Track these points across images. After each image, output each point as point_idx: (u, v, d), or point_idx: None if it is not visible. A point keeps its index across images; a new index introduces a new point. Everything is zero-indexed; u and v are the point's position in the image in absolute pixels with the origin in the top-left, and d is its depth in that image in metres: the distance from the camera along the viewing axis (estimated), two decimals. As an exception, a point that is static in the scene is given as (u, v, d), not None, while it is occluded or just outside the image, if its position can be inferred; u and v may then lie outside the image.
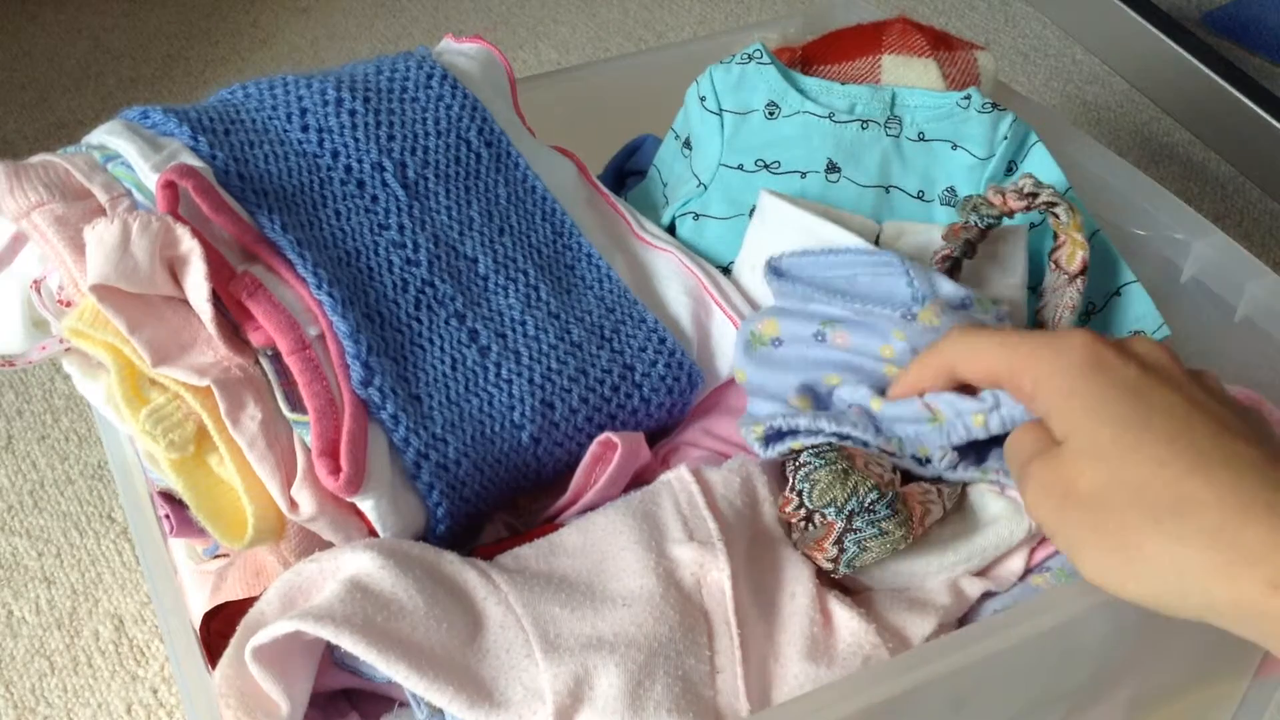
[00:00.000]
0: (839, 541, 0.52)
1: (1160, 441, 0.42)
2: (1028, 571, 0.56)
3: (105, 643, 0.80)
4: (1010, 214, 0.61)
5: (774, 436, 0.54)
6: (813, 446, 0.53)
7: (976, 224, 0.62)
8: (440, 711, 0.47)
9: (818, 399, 0.56)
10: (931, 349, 0.51)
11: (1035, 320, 0.64)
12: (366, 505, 0.51)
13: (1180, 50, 1.21)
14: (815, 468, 0.52)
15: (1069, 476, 0.43)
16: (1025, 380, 0.46)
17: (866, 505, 0.51)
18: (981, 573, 0.55)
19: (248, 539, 0.51)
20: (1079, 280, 0.61)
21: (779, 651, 0.51)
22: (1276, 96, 1.15)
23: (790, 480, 0.54)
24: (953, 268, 0.62)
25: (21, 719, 0.76)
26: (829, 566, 0.53)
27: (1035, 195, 0.60)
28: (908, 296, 0.56)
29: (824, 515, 0.52)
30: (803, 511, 0.52)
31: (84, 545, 0.86)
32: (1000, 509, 0.55)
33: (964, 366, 0.50)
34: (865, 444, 0.52)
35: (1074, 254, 0.61)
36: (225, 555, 0.59)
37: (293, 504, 0.51)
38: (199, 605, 0.55)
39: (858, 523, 0.51)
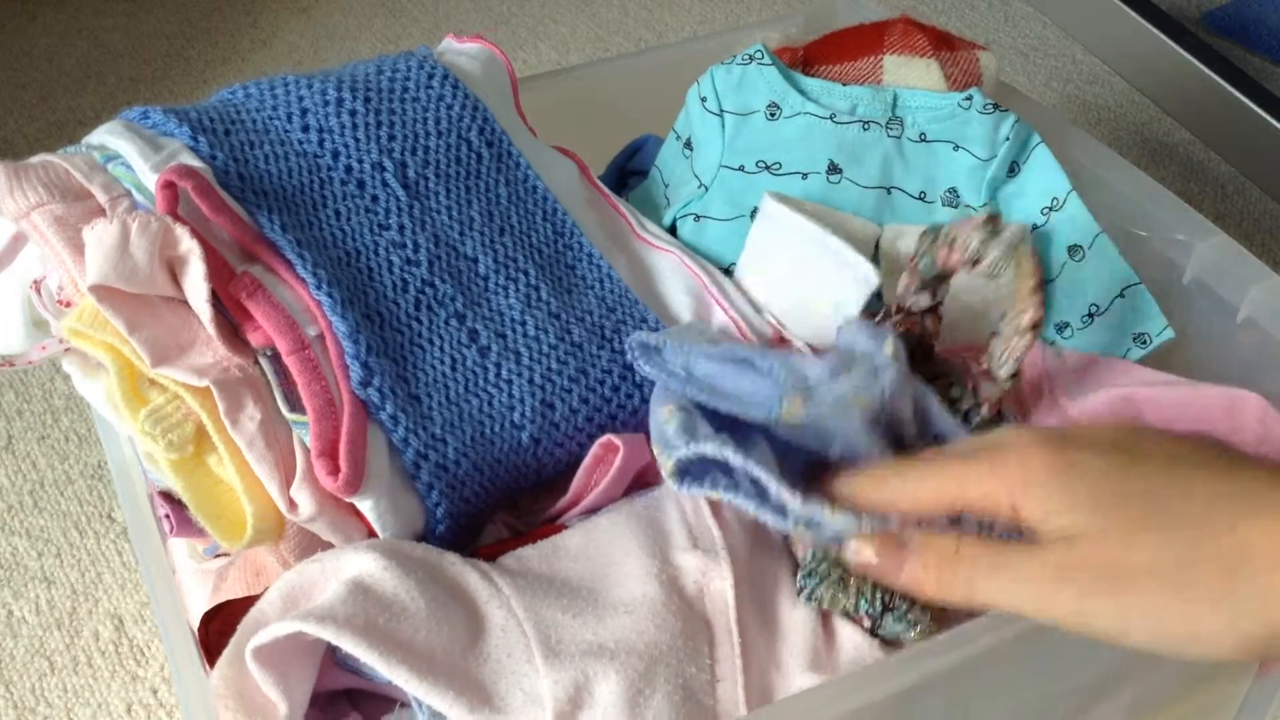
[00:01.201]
0: (873, 628, 0.51)
1: (1173, 495, 0.43)
2: None
3: (105, 643, 0.80)
4: (952, 271, 0.58)
5: (688, 471, 0.51)
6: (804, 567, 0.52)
7: (923, 275, 0.59)
8: (442, 715, 0.47)
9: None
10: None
11: (988, 345, 0.61)
12: (365, 506, 0.51)
13: (1180, 50, 1.21)
14: (813, 588, 0.51)
15: (1114, 558, 0.42)
16: (1001, 503, 0.45)
17: (887, 605, 0.50)
18: None
19: (247, 539, 0.51)
20: (1029, 335, 0.57)
21: (780, 662, 0.50)
22: (1276, 96, 1.15)
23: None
24: (934, 286, 0.60)
25: (21, 719, 0.76)
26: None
27: (977, 262, 0.56)
28: (773, 395, 0.53)
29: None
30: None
31: (84, 545, 0.86)
32: None
33: (924, 503, 0.47)
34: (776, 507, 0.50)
35: (1022, 313, 0.57)
36: (226, 554, 0.59)
37: (292, 504, 0.51)
38: (200, 605, 0.55)
39: (888, 620, 0.51)
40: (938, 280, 0.60)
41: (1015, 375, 0.58)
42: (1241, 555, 0.41)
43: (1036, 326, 0.57)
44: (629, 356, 0.57)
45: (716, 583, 0.51)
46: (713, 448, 0.49)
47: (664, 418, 0.52)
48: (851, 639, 0.50)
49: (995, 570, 0.44)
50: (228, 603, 0.54)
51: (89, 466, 0.91)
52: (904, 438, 0.56)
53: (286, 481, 0.51)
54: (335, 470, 0.50)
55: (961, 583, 0.45)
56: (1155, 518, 0.42)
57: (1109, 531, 0.42)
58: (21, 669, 0.79)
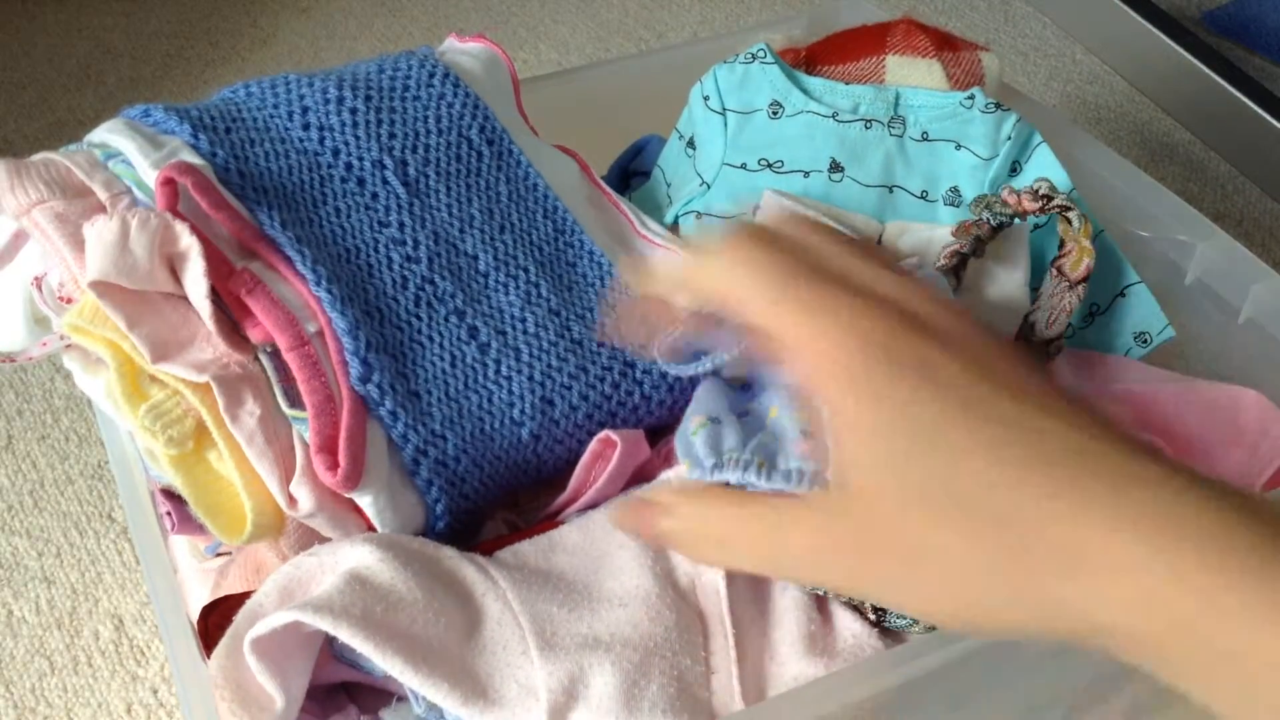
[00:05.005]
0: (878, 620, 0.51)
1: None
2: None
3: (105, 643, 0.80)
4: (1024, 215, 0.61)
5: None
6: None
7: (989, 222, 0.62)
8: (438, 707, 0.47)
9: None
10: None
11: (1026, 322, 0.64)
12: (365, 501, 0.51)
13: (1180, 50, 1.21)
14: None
15: (918, 538, 0.35)
16: (794, 372, 0.37)
17: None
18: None
19: (247, 535, 0.51)
20: (1080, 288, 0.61)
21: (775, 650, 0.50)
22: (1276, 96, 1.15)
23: None
24: (959, 264, 0.62)
25: (22, 719, 0.76)
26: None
27: (1050, 199, 0.60)
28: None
29: None
30: None
31: (84, 545, 0.86)
32: None
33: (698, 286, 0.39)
34: None
35: (1079, 261, 0.61)
36: (227, 553, 0.59)
37: (291, 500, 0.51)
38: (200, 603, 0.55)
39: (891, 614, 0.50)
40: (989, 235, 0.63)
41: (1061, 335, 0.63)
42: (1071, 559, 0.33)
43: (1086, 279, 0.61)
44: (660, 365, 0.57)
45: (708, 574, 0.51)
46: (735, 475, 0.49)
47: (692, 429, 0.52)
48: (850, 626, 0.50)
49: (753, 537, 0.38)
50: (227, 597, 0.54)
51: (89, 466, 0.91)
52: None
53: (286, 477, 0.51)
54: (334, 466, 0.50)
55: (714, 549, 0.39)
56: (981, 508, 0.34)
57: (918, 509, 0.34)
58: (21, 669, 0.78)
